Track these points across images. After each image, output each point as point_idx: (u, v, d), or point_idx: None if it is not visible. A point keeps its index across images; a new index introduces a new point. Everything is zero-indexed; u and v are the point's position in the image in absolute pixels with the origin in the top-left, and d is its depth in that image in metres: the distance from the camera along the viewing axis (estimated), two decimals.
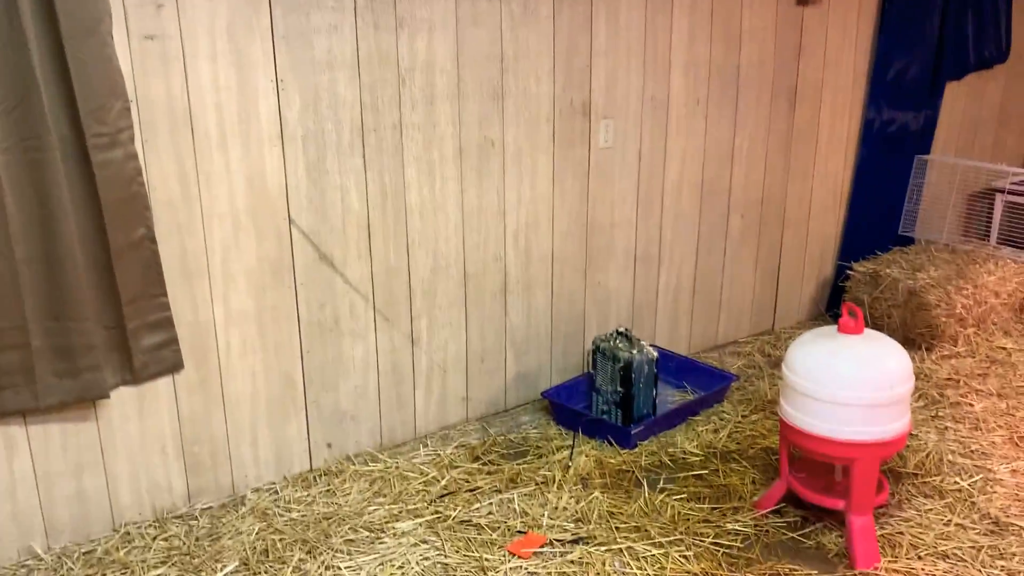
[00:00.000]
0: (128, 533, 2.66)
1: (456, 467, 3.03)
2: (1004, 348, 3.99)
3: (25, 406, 2.43)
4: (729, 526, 2.69)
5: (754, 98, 3.89)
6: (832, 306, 4.47)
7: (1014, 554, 2.53)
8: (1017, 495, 2.83)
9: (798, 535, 2.66)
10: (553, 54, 3.23)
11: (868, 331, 2.59)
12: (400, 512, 2.76)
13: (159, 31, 2.45)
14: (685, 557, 2.53)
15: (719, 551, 2.57)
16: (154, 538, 2.64)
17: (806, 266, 4.40)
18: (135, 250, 2.50)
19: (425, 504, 2.80)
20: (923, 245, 4.53)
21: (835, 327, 2.60)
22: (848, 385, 2.46)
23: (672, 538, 2.62)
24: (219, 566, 2.49)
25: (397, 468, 3.02)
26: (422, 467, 3.03)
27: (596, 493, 2.85)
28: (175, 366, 2.66)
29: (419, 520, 2.71)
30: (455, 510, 2.75)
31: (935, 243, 4.53)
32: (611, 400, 3.26)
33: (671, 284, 3.87)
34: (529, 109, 3.23)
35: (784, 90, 3.99)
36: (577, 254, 3.53)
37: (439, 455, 3.11)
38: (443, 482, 2.93)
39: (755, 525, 2.70)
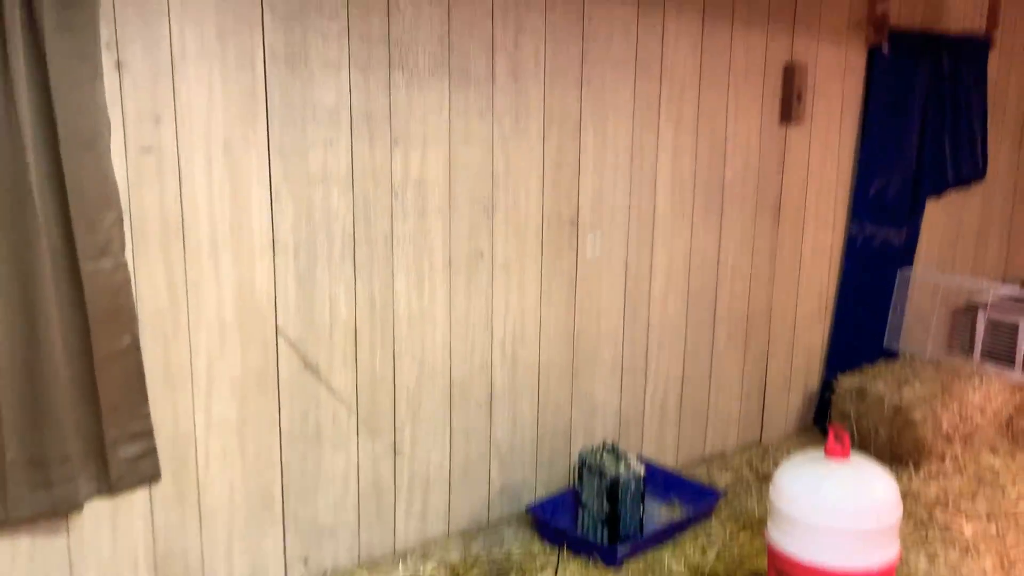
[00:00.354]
0: None
1: None
2: (992, 467, 3.96)
3: None
4: None
5: (739, 211, 3.97)
6: (819, 418, 4.45)
7: None
8: None
9: None
10: (543, 169, 3.31)
11: (855, 456, 2.57)
12: None
13: (156, 144, 2.50)
14: None
15: None
16: None
17: (792, 378, 4.41)
18: (119, 359, 2.48)
19: None
20: (908, 359, 4.55)
21: (822, 451, 2.59)
22: (835, 513, 2.43)
23: None
24: None
25: None
26: None
27: None
28: (152, 477, 2.61)
29: None
30: None
31: (920, 357, 4.55)
32: (597, 517, 3.20)
33: (658, 395, 3.86)
34: (518, 221, 3.28)
35: (768, 204, 4.08)
36: (564, 364, 3.52)
37: (418, 573, 3.02)
38: None
39: None
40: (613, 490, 3.14)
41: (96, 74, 2.33)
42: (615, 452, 3.27)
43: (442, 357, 3.18)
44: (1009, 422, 4.28)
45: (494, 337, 3.30)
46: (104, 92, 2.36)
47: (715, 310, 4.00)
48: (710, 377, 4.04)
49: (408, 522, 3.20)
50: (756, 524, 3.39)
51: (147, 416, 2.56)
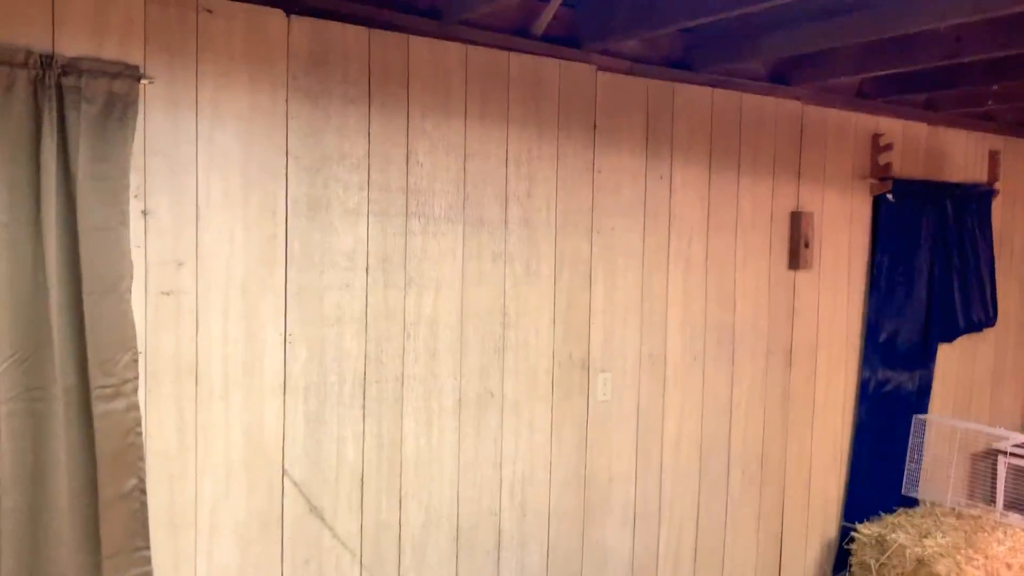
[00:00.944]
0: None
1: None
2: None
3: None
4: None
5: (750, 355, 3.97)
6: (838, 569, 4.29)
7: None
8: None
9: None
10: (553, 310, 3.35)
11: None
12: None
13: (176, 287, 2.56)
14: None
15: None
16: None
17: (809, 525, 4.28)
18: (124, 502, 2.45)
19: None
20: (928, 507, 4.42)
21: None
22: None
23: None
24: None
25: None
26: None
27: None
28: None
29: None
30: None
31: (940, 505, 4.42)
32: None
33: (672, 543, 3.75)
34: (528, 361, 3.29)
35: (780, 348, 4.08)
36: (574, 509, 3.45)
37: None
38: None
39: None
40: None
41: (123, 221, 2.42)
42: None
43: (449, 501, 3.13)
44: None
45: (503, 481, 3.25)
46: (129, 238, 2.44)
47: (729, 454, 3.94)
48: (725, 523, 3.93)
49: None
50: None
51: (148, 560, 2.51)
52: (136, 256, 2.49)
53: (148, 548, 2.51)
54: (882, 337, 4.45)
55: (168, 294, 2.55)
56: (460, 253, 3.11)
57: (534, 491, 3.33)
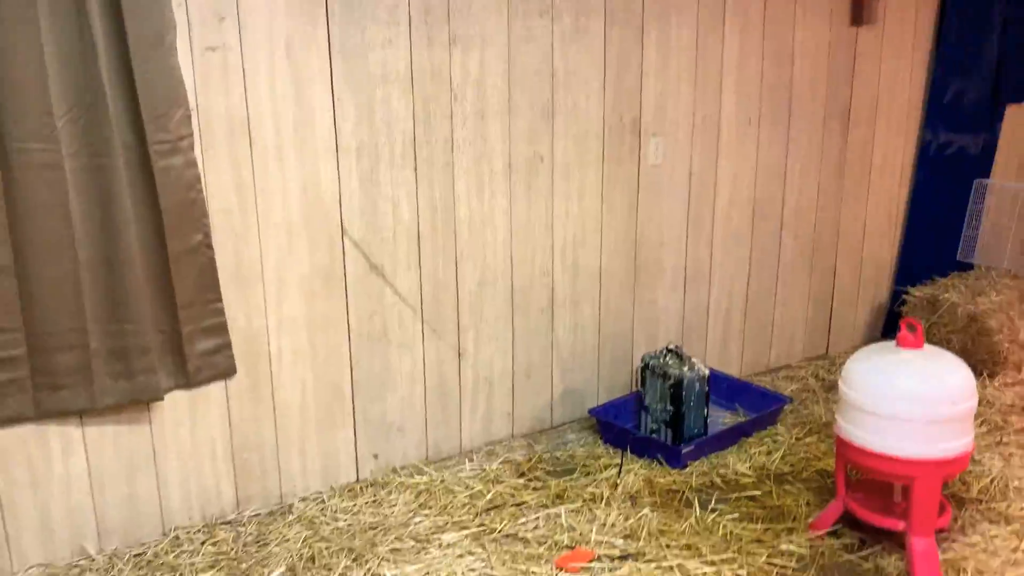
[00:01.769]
0: (177, 537, 2.68)
1: (501, 482, 2.99)
2: None
3: (82, 406, 2.48)
4: (783, 547, 2.61)
5: (806, 118, 3.85)
6: (888, 332, 4.35)
7: None
8: None
9: (856, 557, 2.57)
10: (604, 71, 3.25)
11: (928, 346, 2.51)
12: (446, 524, 2.73)
13: (220, 43, 2.52)
14: None
15: (773, 570, 2.49)
16: (203, 543, 2.65)
17: (860, 290, 4.31)
18: (192, 255, 2.55)
19: (471, 517, 2.77)
20: (983, 271, 4.40)
21: (893, 342, 2.54)
22: (909, 400, 2.38)
23: (724, 556, 2.55)
24: (266, 571, 2.49)
25: (443, 481, 3.00)
26: (467, 481, 3.00)
27: (645, 511, 2.79)
28: (228, 371, 2.70)
29: (465, 532, 2.68)
30: (501, 523, 2.72)
31: (996, 269, 4.40)
32: (660, 419, 3.21)
33: (721, 305, 3.82)
34: (579, 125, 3.24)
35: (838, 111, 3.95)
36: (625, 271, 3.50)
37: (485, 470, 3.08)
38: (489, 496, 2.90)
39: (810, 546, 2.61)
40: (677, 390, 3.14)
41: None
42: (679, 355, 3.26)
43: (503, 262, 3.19)
44: None
45: (555, 243, 3.29)
46: None
47: (781, 220, 3.91)
48: (776, 288, 3.98)
49: (473, 423, 3.25)
50: (823, 429, 3.36)
51: (221, 311, 2.64)
52: (178, 13, 2.43)
53: (220, 300, 2.63)
54: (947, 97, 4.26)
55: (213, 50, 2.52)
56: (505, 7, 2.98)
57: (585, 253, 3.38)
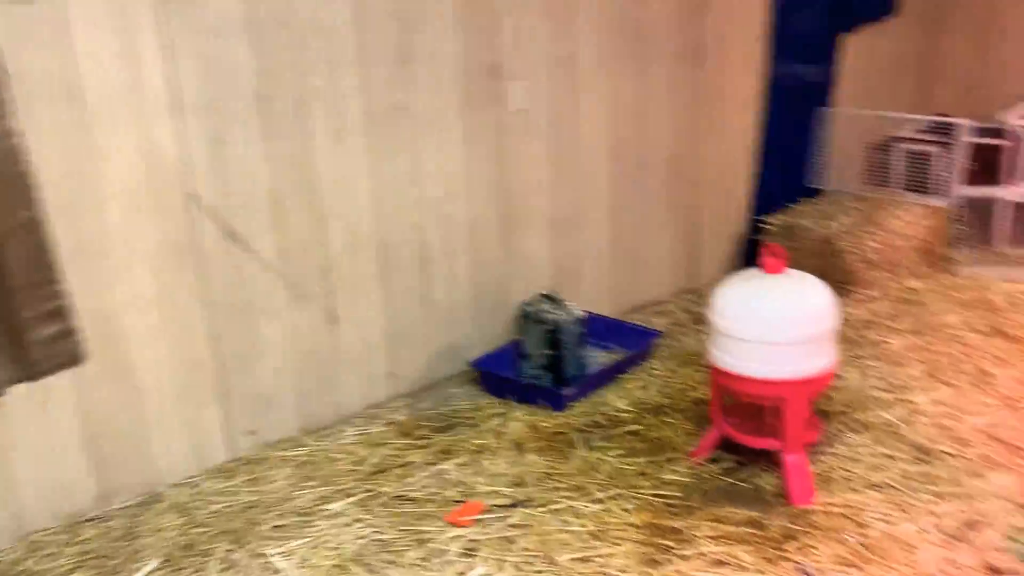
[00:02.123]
0: (36, 542, 2.47)
1: (386, 444, 2.93)
2: (915, 289, 4.10)
3: None
4: (667, 477, 2.68)
5: (660, 55, 3.88)
6: (750, 260, 4.50)
7: (941, 477, 2.59)
8: (939, 423, 2.90)
9: (735, 479, 2.66)
10: (458, 12, 3.13)
11: (790, 271, 2.60)
12: (331, 494, 2.65)
13: None
14: (626, 510, 2.50)
15: (659, 501, 2.55)
16: (66, 544, 2.45)
17: (722, 222, 4.44)
18: (21, 234, 2.31)
19: (356, 483, 2.69)
20: (832, 196, 4.63)
21: (758, 269, 2.61)
22: (775, 324, 2.46)
23: (611, 493, 2.59)
24: (139, 565, 2.33)
25: (324, 451, 2.90)
26: (350, 448, 2.92)
27: (532, 456, 2.80)
28: (75, 358, 2.48)
29: (351, 500, 2.60)
30: (388, 486, 2.66)
31: (843, 193, 4.63)
32: (540, 364, 3.21)
33: (591, 245, 3.84)
34: (437, 73, 3.13)
35: (690, 47, 4.00)
36: (496, 220, 3.46)
37: (367, 434, 3.00)
38: (374, 460, 2.83)
39: (692, 474, 2.69)
40: (554, 335, 3.15)
41: None
42: (554, 300, 3.26)
43: (371, 219, 3.08)
44: (927, 246, 4.41)
45: (423, 196, 3.20)
46: None
47: (643, 158, 3.95)
48: (642, 226, 4.04)
49: (352, 388, 3.16)
50: (696, 360, 3.46)
51: (62, 293, 2.41)
52: None
53: (59, 281, 2.40)
54: (790, 30, 4.39)
55: (27, 3, 2.25)
56: None
57: (455, 205, 3.30)
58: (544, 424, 3.02)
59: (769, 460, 2.68)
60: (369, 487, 2.66)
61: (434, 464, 2.78)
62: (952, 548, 2.27)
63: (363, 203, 3.04)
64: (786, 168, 4.62)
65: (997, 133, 4.47)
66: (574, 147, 3.66)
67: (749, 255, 4.49)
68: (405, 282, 3.22)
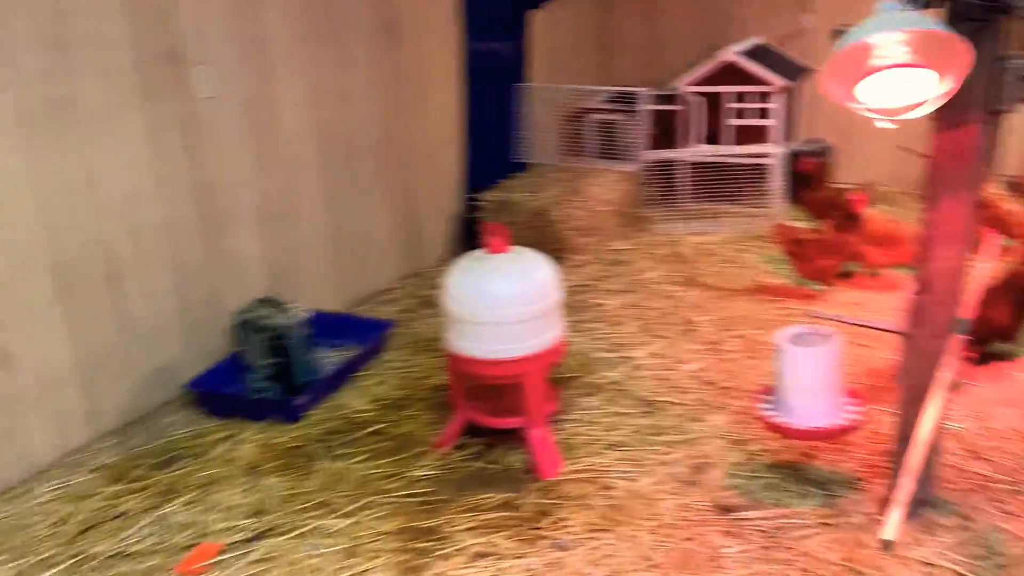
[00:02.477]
0: None
1: (94, 495, 2.53)
2: (620, 250, 4.36)
3: None
4: (416, 474, 2.58)
5: (357, 34, 3.72)
6: (470, 238, 4.53)
7: (668, 427, 2.75)
8: (658, 375, 3.09)
9: (485, 463, 2.63)
10: None
11: (514, 248, 2.59)
12: (28, 568, 2.23)
13: None
14: (378, 519, 2.37)
15: (411, 502, 2.45)
16: None
17: (438, 203, 4.40)
18: None
19: (60, 549, 2.29)
20: (537, 168, 4.78)
21: (484, 250, 2.58)
22: (506, 303, 2.44)
23: (361, 504, 2.44)
24: None
25: (13, 516, 2.44)
26: (47, 507, 2.48)
27: (270, 479, 2.57)
28: None
29: (55, 570, 2.21)
30: (101, 545, 2.29)
31: (547, 165, 4.80)
32: (267, 375, 2.96)
33: (308, 240, 3.62)
34: (103, 60, 2.72)
35: (386, 24, 3.88)
36: (196, 221, 3.11)
37: (68, 487, 2.58)
38: (80, 517, 2.42)
39: (441, 465, 2.62)
40: (279, 341, 2.91)
41: None
42: (274, 303, 3.01)
43: (38, 236, 2.62)
44: (624, 209, 4.71)
45: (104, 201, 2.79)
46: None
47: (351, 143, 3.78)
48: (359, 213, 3.87)
49: (39, 434, 2.69)
50: (430, 346, 3.40)
51: None
52: None
53: None
54: (481, 7, 4.43)
55: None
56: None
57: (144, 210, 2.92)
58: (279, 440, 2.78)
59: (516, 438, 2.68)
60: (77, 551, 2.27)
61: (156, 508, 2.44)
62: (686, 494, 2.42)
63: (25, 217, 2.57)
64: (493, 145, 4.69)
65: (672, 99, 4.88)
66: (276, 135, 3.40)
67: (468, 234, 4.51)
68: (92, 304, 2.79)
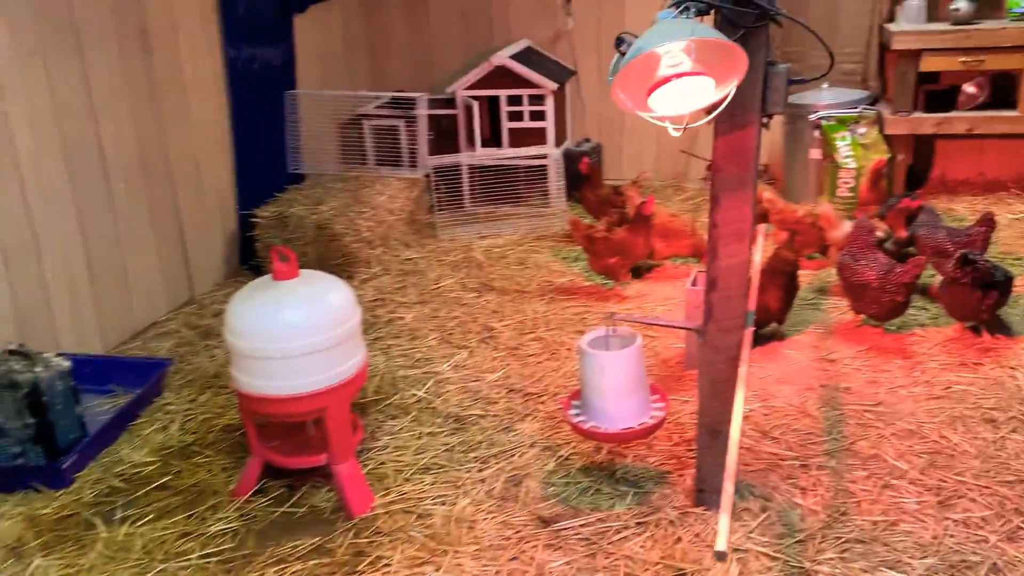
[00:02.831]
0: None
1: None
2: (410, 259, 4.26)
3: None
4: (214, 529, 2.34)
5: (100, 44, 3.33)
6: (247, 259, 4.24)
7: (479, 442, 2.70)
8: (464, 387, 3.03)
9: (288, 508, 2.44)
10: None
11: (303, 271, 2.41)
12: None
13: None
14: None
15: (211, 562, 2.21)
16: None
17: (210, 222, 4.07)
18: None
19: None
20: (315, 179, 4.57)
21: (270, 277, 2.38)
22: (300, 334, 2.26)
23: (153, 573, 2.17)
24: None
25: None
26: None
27: (37, 560, 2.22)
28: None
29: None
30: None
31: (326, 175, 4.60)
32: (24, 437, 2.56)
33: (61, 276, 3.19)
34: None
35: (134, 33, 3.51)
36: None
37: None
38: None
39: (241, 516, 2.40)
40: (35, 398, 2.53)
41: None
42: (25, 354, 2.62)
43: None
44: (412, 216, 4.62)
45: None
46: None
47: (104, 163, 3.39)
48: (120, 239, 3.48)
49: None
50: (215, 382, 3.12)
51: None
52: None
53: None
54: (240, 10, 4.15)
55: None
56: None
57: None
58: (45, 511, 2.42)
59: (320, 474, 2.51)
60: None
61: None
62: (505, 511, 2.37)
63: None
64: (267, 156, 4.42)
65: (449, 103, 4.84)
66: (11, 158, 2.96)
67: (247, 253, 4.22)
68: None
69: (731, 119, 1.85)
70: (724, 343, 2.12)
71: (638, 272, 3.89)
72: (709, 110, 1.82)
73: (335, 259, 4.05)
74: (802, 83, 2.05)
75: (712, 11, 1.85)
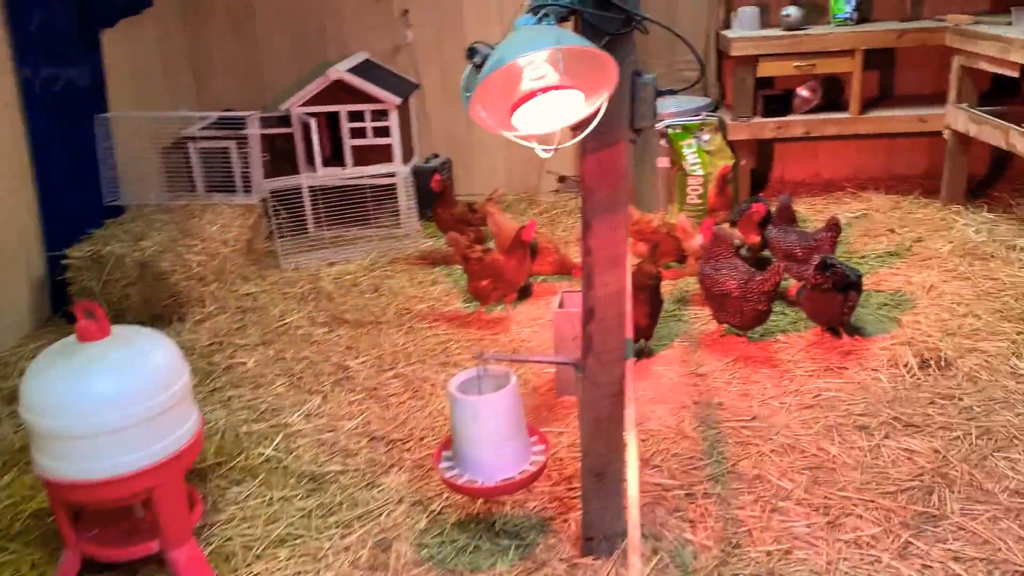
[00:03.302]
0: None
1: None
2: (249, 294, 3.88)
3: None
4: None
5: None
6: (59, 304, 3.72)
7: (340, 503, 2.40)
8: (318, 439, 2.72)
9: None
10: None
11: (116, 328, 2.05)
12: None
13: None
14: None
15: None
16: None
17: (11, 268, 3.54)
18: None
19: None
20: (136, 211, 4.10)
21: (74, 337, 2.00)
22: (116, 405, 1.90)
23: None
24: None
25: None
26: None
27: None
28: None
29: None
30: None
31: (147, 206, 4.14)
32: None
33: None
34: None
35: None
36: None
37: None
38: None
39: None
40: None
41: None
42: None
43: None
44: (249, 246, 4.23)
45: None
46: None
47: None
48: None
49: None
50: (19, 457, 2.66)
51: None
52: None
53: None
54: (34, 25, 3.64)
55: None
56: None
57: None
58: None
59: (155, 562, 2.14)
60: None
61: None
62: None
63: None
64: (75, 187, 3.92)
65: (284, 122, 4.49)
66: None
67: (58, 298, 3.70)
68: None
69: (599, 136, 1.68)
70: (605, 378, 1.94)
71: (525, 294, 3.69)
72: (576, 127, 1.64)
73: (163, 300, 3.61)
74: (671, 94, 1.91)
75: (572, 17, 1.67)
